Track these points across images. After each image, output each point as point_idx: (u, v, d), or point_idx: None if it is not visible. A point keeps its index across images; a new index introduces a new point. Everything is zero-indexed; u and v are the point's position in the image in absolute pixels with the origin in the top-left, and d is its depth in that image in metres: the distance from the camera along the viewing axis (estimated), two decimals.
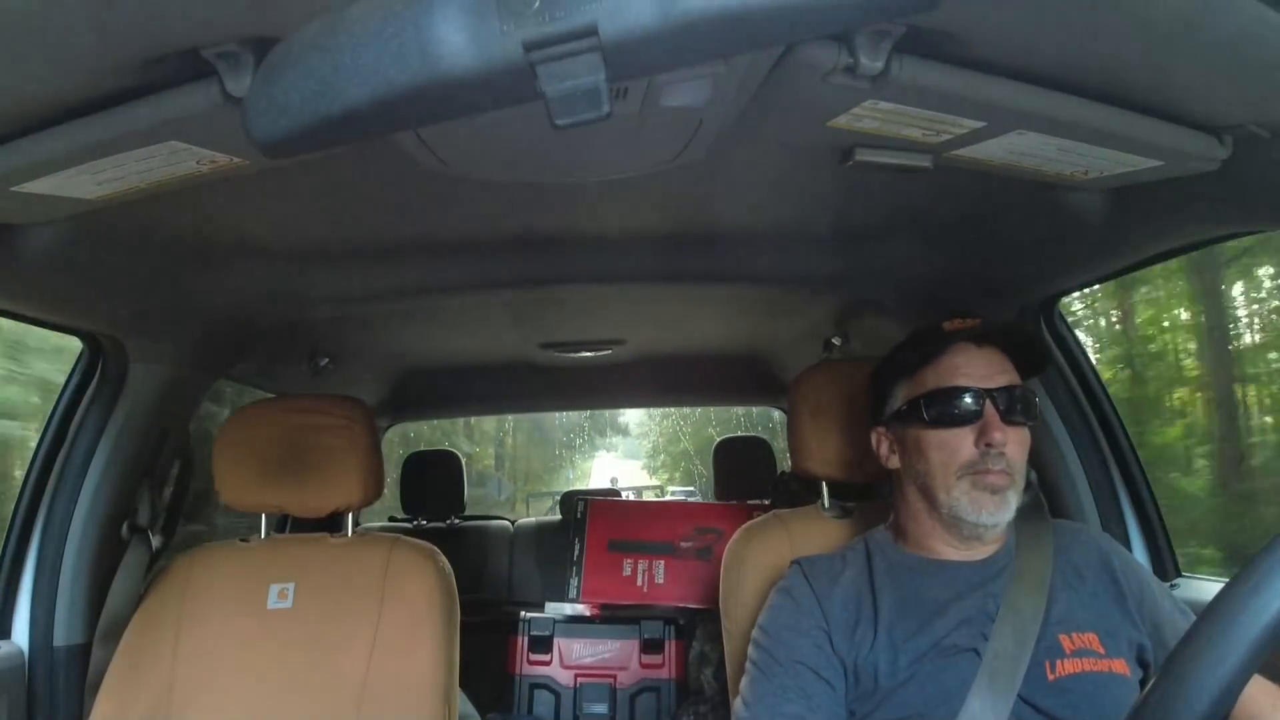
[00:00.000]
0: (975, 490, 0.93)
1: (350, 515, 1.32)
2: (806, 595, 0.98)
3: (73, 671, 1.26)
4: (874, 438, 1.05)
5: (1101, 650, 0.91)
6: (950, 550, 0.98)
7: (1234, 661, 0.46)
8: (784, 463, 2.51)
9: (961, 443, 0.94)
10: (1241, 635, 0.46)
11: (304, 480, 1.26)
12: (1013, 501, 0.94)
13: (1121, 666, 0.90)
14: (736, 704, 0.96)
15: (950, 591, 0.95)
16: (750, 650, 0.99)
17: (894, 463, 1.03)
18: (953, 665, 0.90)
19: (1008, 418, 0.93)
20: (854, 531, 1.09)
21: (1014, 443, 0.93)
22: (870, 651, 0.92)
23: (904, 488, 1.02)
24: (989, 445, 0.92)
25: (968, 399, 0.94)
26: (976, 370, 0.95)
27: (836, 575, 1.00)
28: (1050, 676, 0.88)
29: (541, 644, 2.28)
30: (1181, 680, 0.47)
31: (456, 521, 2.68)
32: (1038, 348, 1.01)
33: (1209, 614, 0.48)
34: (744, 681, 0.97)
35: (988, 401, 0.93)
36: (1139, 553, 1.37)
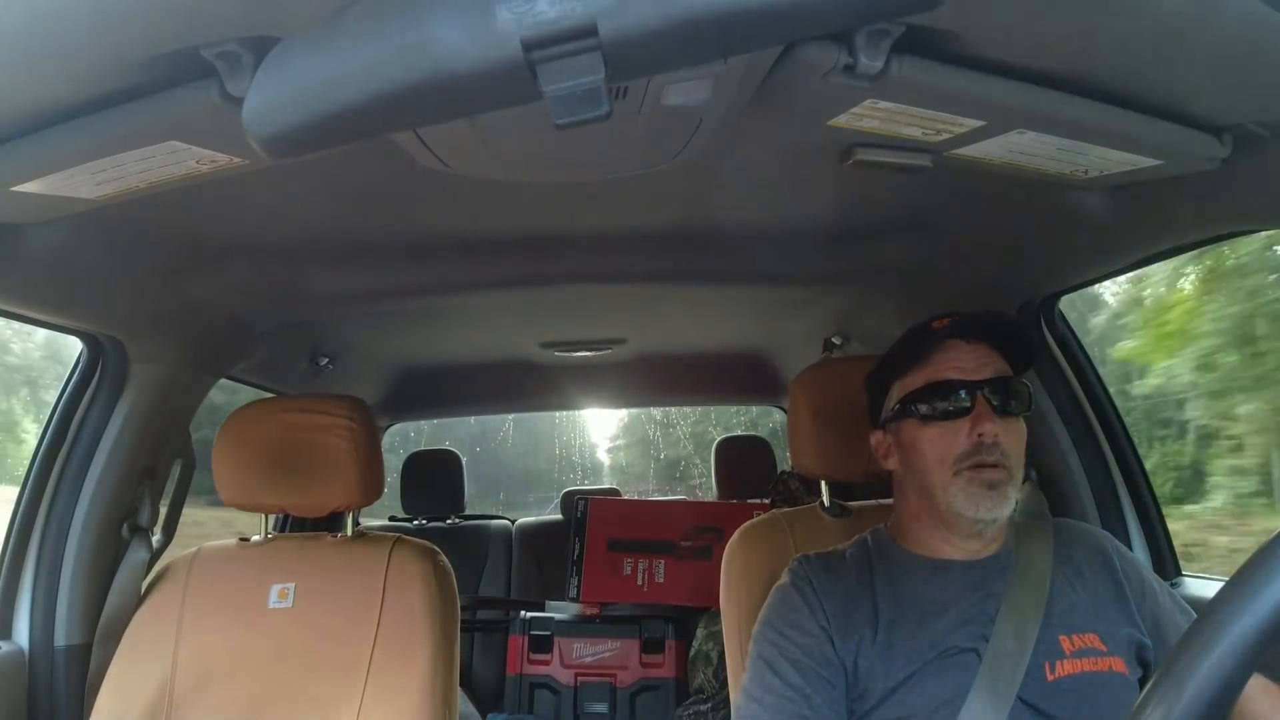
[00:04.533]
0: (971, 486, 0.92)
1: (350, 515, 1.32)
2: (808, 593, 0.98)
3: (73, 671, 1.26)
4: (873, 441, 1.05)
5: (1102, 649, 0.91)
6: (951, 549, 0.98)
7: (1234, 660, 0.46)
8: (784, 461, 2.51)
9: (955, 436, 0.93)
10: (1241, 634, 0.46)
11: (304, 480, 1.26)
12: (1011, 496, 0.93)
13: (1121, 666, 0.90)
14: (738, 700, 0.96)
15: (950, 592, 0.95)
16: (751, 648, 0.99)
17: (893, 464, 1.03)
18: (953, 666, 0.90)
19: (1000, 409, 0.93)
20: (855, 531, 1.09)
21: (1008, 435, 0.93)
22: (870, 651, 0.92)
23: (903, 488, 1.02)
24: (981, 436, 0.92)
25: (959, 392, 0.94)
26: (966, 364, 0.95)
27: (837, 574, 1.00)
28: (1050, 677, 0.88)
29: (542, 643, 2.28)
30: (1181, 679, 0.47)
31: (457, 521, 2.68)
32: (1024, 339, 1.00)
33: (1209, 612, 0.48)
34: (745, 679, 0.96)
35: (979, 394, 0.93)
36: (1139, 552, 1.37)
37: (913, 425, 0.97)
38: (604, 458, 6.06)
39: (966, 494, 0.93)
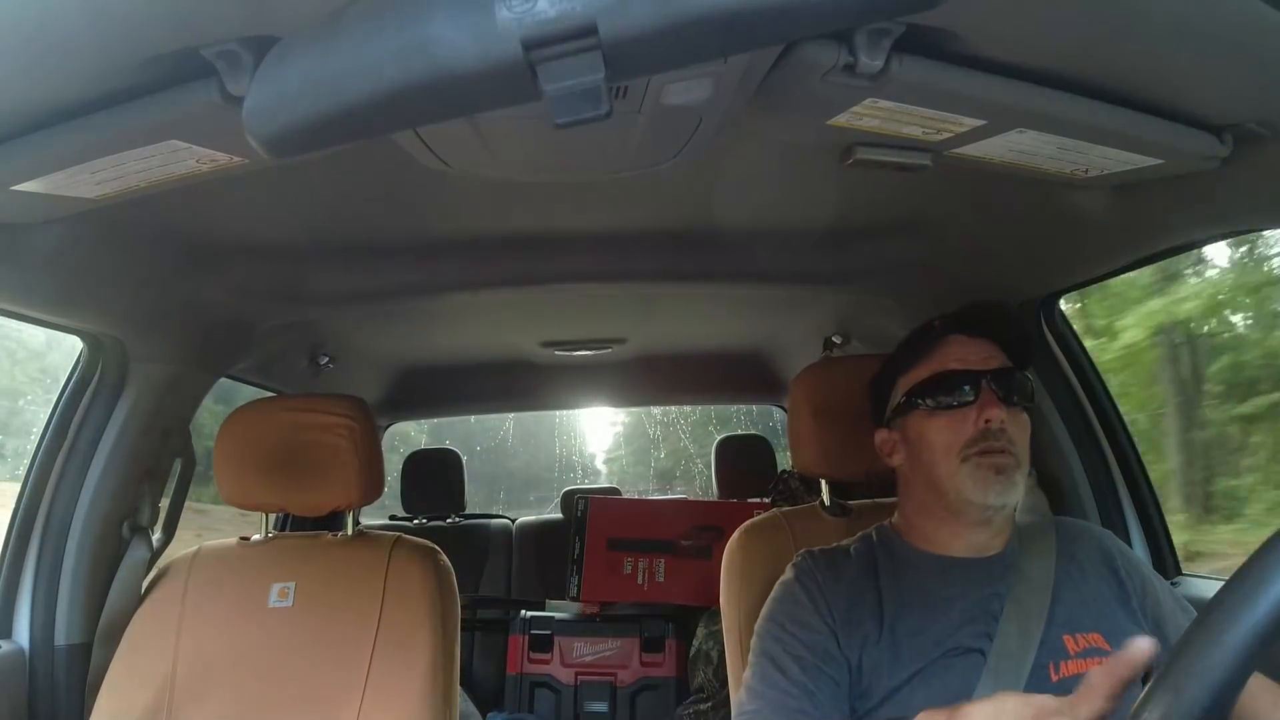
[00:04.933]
0: (980, 471, 0.93)
1: (350, 514, 1.32)
2: (813, 588, 0.98)
3: (74, 670, 1.26)
4: (878, 439, 1.06)
5: (1106, 649, 0.90)
6: (957, 544, 0.98)
7: (1233, 659, 0.46)
8: (785, 460, 2.51)
9: (962, 424, 0.94)
10: (1241, 633, 0.46)
11: (304, 479, 1.27)
12: (1018, 483, 0.94)
13: None
14: (740, 696, 0.95)
15: (954, 590, 0.95)
16: (754, 643, 0.98)
17: (898, 460, 1.03)
18: (957, 665, 0.89)
19: (1004, 399, 0.94)
20: (855, 530, 1.09)
21: (1013, 424, 0.94)
22: (875, 649, 0.92)
23: (909, 483, 1.02)
24: (988, 423, 0.93)
25: (963, 385, 0.95)
26: (970, 356, 0.97)
27: (842, 570, 1.00)
28: (1054, 677, 0.88)
29: (542, 642, 2.28)
30: (1181, 679, 0.47)
31: (457, 520, 2.68)
32: (1025, 333, 1.02)
33: (1208, 612, 0.48)
34: (747, 674, 0.96)
35: (984, 383, 0.95)
36: (1139, 551, 1.37)
37: (919, 417, 0.98)
38: (602, 468, 6.06)
39: (975, 479, 0.93)
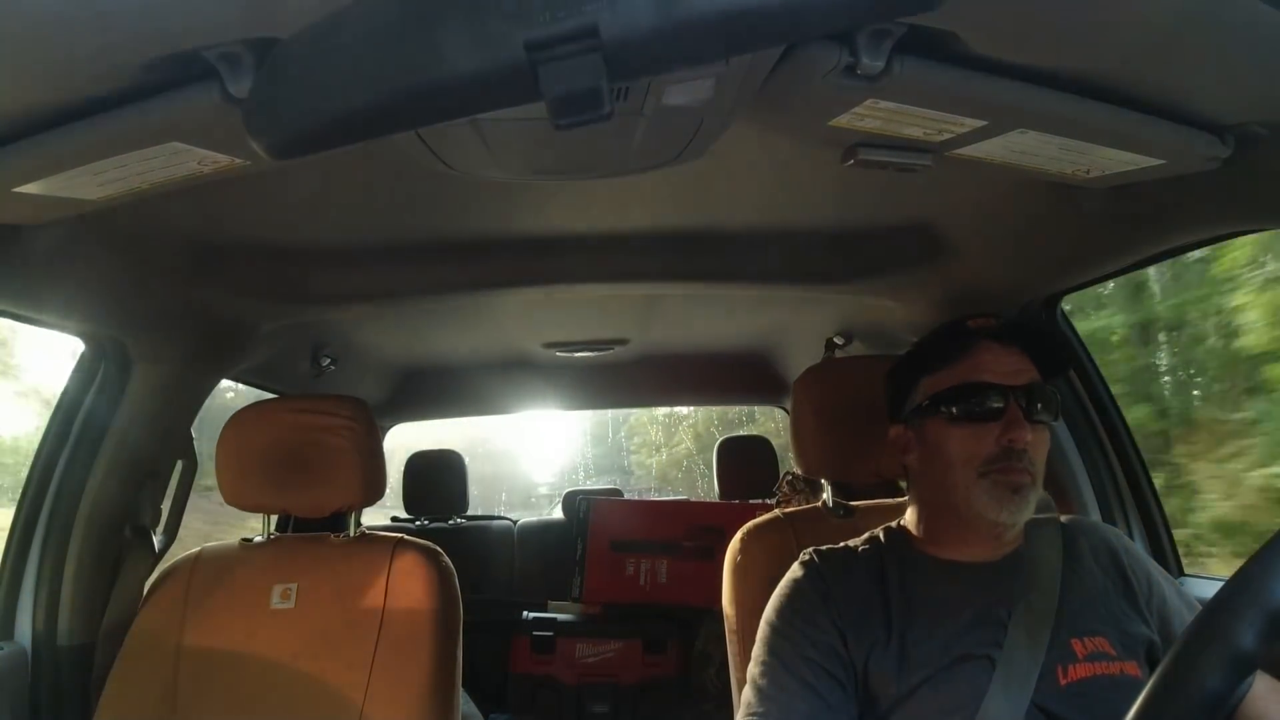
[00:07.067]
0: (996, 489, 0.91)
1: (352, 515, 1.32)
2: (821, 587, 0.96)
3: (76, 671, 1.26)
4: (891, 434, 1.04)
5: (1114, 652, 0.89)
6: (965, 550, 0.97)
7: (1233, 660, 0.46)
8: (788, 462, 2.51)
9: (983, 439, 0.92)
10: (1240, 633, 0.46)
11: (306, 480, 1.27)
12: (1032, 501, 0.92)
13: (1133, 668, 0.88)
14: (747, 695, 0.93)
15: (963, 594, 0.93)
16: (760, 639, 0.96)
17: (911, 458, 1.01)
18: (966, 672, 0.88)
19: (1030, 416, 0.92)
20: (858, 532, 1.07)
21: (1035, 442, 0.92)
22: (883, 655, 0.91)
23: (921, 485, 1.01)
24: (1012, 443, 0.91)
25: (992, 396, 0.93)
26: (1001, 367, 0.94)
27: (849, 569, 0.98)
28: (1063, 681, 0.87)
29: (544, 643, 2.28)
30: (1179, 679, 0.47)
31: (460, 521, 2.68)
32: (1062, 349, 0.99)
33: (1207, 612, 0.48)
34: (755, 671, 0.94)
35: (1011, 399, 0.92)
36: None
37: (940, 423, 0.96)
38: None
39: (991, 495, 0.91)
